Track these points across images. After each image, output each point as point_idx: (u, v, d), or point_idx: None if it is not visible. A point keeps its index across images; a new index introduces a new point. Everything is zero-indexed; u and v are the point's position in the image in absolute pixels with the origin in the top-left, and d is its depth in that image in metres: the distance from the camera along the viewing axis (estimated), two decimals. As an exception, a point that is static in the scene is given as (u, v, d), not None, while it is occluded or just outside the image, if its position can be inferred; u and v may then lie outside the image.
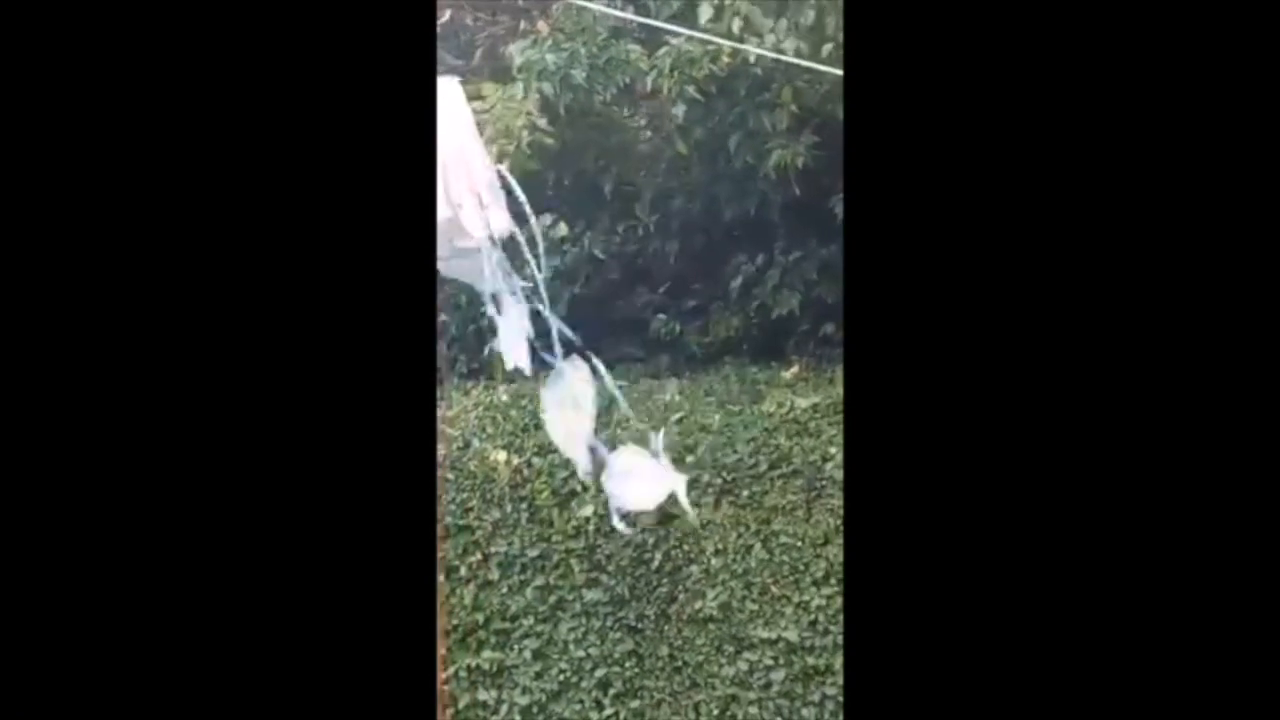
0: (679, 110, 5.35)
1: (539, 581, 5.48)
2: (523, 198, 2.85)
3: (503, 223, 2.82)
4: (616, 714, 5.44)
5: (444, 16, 5.48)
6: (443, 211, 2.76)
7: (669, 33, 4.94)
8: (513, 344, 2.99)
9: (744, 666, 5.26)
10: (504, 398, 5.55)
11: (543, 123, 4.87)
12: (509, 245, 2.95)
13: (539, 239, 2.90)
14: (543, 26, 5.21)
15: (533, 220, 2.89)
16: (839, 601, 4.92)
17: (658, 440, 3.24)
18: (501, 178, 2.90)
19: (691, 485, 5.43)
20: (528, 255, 2.92)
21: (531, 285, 2.96)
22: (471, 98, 5.34)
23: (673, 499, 3.37)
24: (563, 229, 6.18)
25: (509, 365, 3.06)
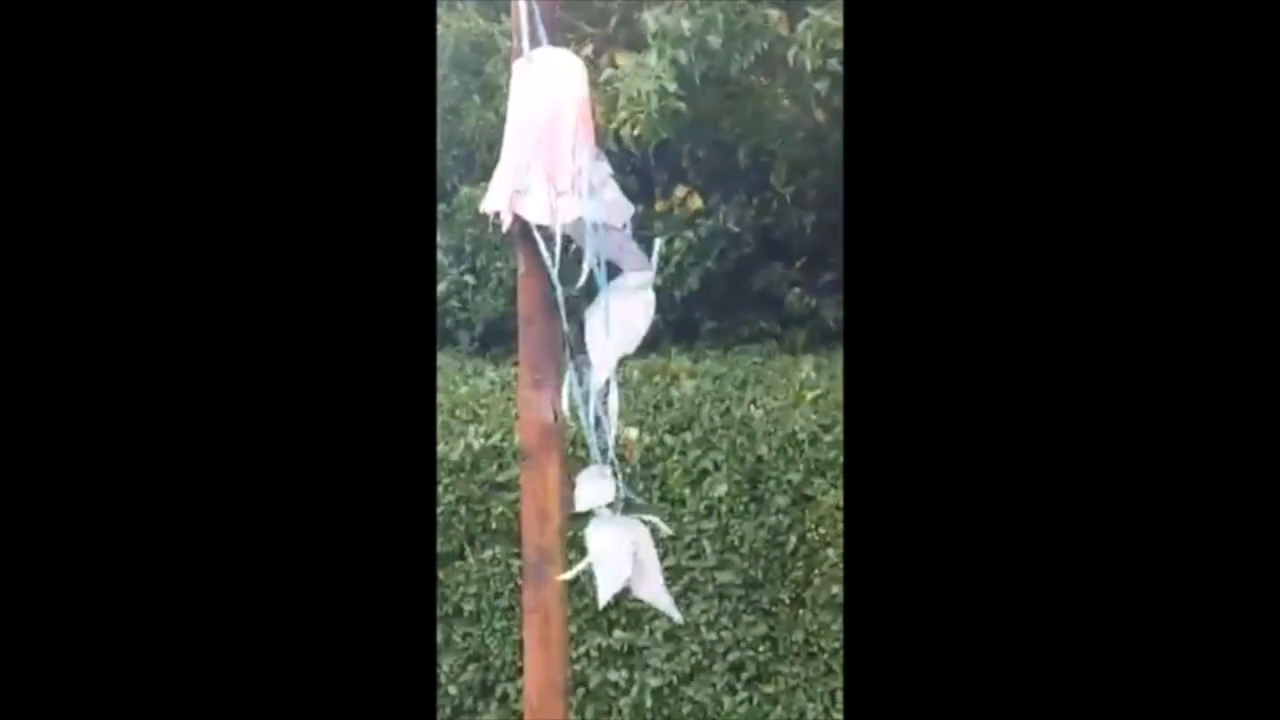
0: (822, 85, 5.15)
1: (670, 562, 5.37)
2: (611, 195, 2.62)
3: (573, 211, 2.58)
4: (750, 698, 5.32)
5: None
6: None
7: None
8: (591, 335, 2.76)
9: (882, 654, 5.09)
10: (635, 374, 5.44)
11: (675, 89, 4.70)
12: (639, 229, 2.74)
13: (595, 228, 2.63)
14: (679, -9, 5.06)
15: (609, 204, 2.64)
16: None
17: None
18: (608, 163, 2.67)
19: (827, 467, 5.28)
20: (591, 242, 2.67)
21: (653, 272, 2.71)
22: (605, 66, 5.26)
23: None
24: (696, 201, 6.05)
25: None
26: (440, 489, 5.56)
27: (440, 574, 5.57)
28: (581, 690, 5.47)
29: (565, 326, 2.65)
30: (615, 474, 2.81)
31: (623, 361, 2.74)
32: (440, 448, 5.59)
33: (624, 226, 2.72)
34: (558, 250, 2.60)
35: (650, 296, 2.70)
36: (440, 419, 5.72)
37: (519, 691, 5.38)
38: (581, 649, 5.44)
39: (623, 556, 2.72)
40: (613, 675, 5.45)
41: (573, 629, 5.34)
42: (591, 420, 2.80)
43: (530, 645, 2.64)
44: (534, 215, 2.57)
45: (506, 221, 2.61)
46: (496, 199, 2.61)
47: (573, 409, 2.66)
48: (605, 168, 2.67)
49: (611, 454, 2.82)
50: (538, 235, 2.60)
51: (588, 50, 5.55)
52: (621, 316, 2.66)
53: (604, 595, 2.80)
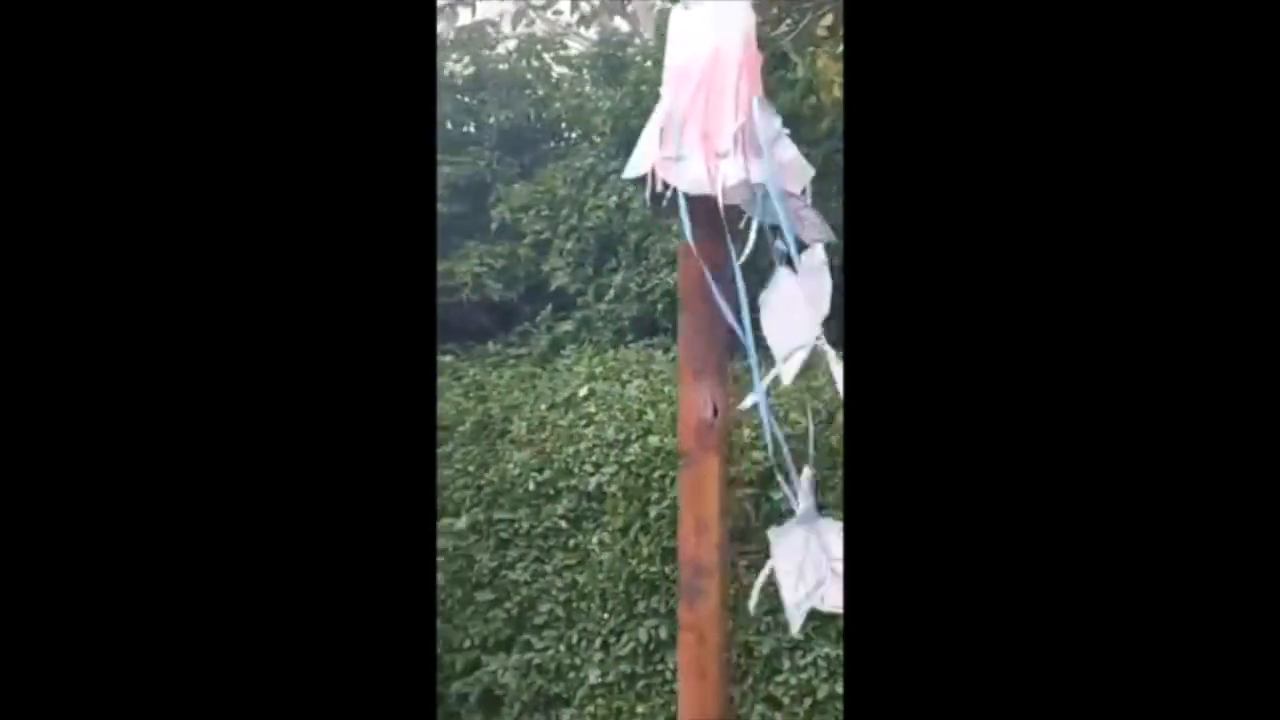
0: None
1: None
2: (787, 156, 2.28)
3: (736, 175, 2.23)
4: None
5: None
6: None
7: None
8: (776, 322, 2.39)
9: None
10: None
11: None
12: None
13: (766, 193, 2.29)
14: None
15: (785, 165, 2.29)
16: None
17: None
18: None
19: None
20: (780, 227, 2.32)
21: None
22: (841, 40, 4.87)
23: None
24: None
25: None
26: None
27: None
28: (808, 701, 5.15)
29: (726, 310, 2.32)
30: (787, 479, 2.47)
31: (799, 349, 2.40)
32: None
33: (803, 192, 2.36)
34: (723, 220, 2.28)
35: (828, 274, 2.33)
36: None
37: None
38: (808, 658, 5.12)
39: (813, 560, 2.38)
40: (840, 688, 5.09)
41: (800, 637, 5.03)
42: (768, 417, 2.46)
43: (684, 671, 2.34)
44: (688, 184, 2.26)
45: (652, 191, 2.31)
46: (640, 164, 2.31)
47: (732, 406, 2.34)
48: (777, 124, 2.31)
49: (785, 456, 2.48)
50: (683, 203, 2.28)
51: (828, 20, 5.21)
52: (800, 297, 2.31)
53: (791, 603, 2.45)
